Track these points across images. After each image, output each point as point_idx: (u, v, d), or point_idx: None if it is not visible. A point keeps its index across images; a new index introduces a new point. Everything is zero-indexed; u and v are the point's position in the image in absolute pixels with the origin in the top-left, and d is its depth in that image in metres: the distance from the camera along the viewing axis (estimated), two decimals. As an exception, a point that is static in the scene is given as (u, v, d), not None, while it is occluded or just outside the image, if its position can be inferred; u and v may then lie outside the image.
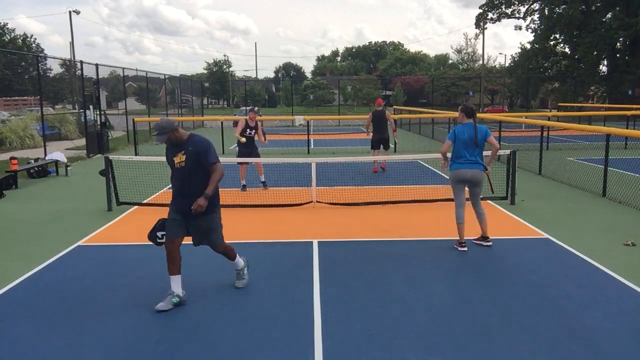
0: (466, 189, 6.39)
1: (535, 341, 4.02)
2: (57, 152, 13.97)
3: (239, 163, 10.35)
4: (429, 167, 13.14)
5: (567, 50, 43.59)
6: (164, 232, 4.78)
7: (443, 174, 11.73)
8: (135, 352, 3.93)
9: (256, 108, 9.89)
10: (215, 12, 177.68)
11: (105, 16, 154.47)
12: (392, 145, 13.45)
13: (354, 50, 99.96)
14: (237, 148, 10.48)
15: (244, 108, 37.97)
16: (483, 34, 51.83)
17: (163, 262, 5.99)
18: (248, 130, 10.24)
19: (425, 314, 4.52)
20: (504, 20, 49.50)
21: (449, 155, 6.37)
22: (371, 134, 12.89)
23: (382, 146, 12.68)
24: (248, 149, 10.30)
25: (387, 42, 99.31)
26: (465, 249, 6.26)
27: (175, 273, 4.71)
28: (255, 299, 4.89)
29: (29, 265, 5.89)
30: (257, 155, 10.53)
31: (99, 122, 17.39)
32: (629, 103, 31.31)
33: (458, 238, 6.33)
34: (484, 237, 6.42)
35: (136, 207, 8.87)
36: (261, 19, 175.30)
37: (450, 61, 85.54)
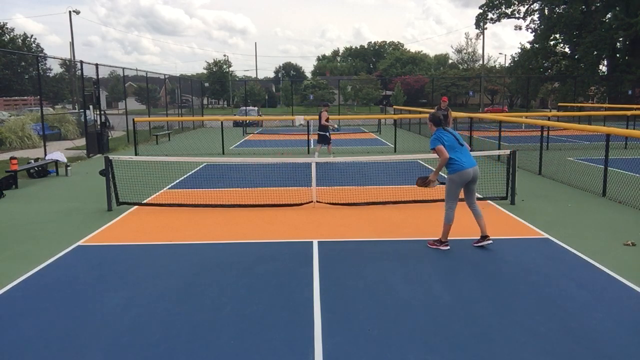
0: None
1: (535, 341, 4.02)
2: (57, 152, 13.97)
3: (329, 143, 14.53)
4: (429, 167, 13.13)
5: (567, 50, 43.61)
6: None
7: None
8: (135, 352, 3.93)
9: (327, 102, 15.42)
10: (212, 12, 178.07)
11: (102, 16, 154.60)
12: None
13: (353, 50, 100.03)
14: (326, 132, 14.39)
15: (244, 108, 37.98)
16: (483, 34, 51.93)
17: (163, 262, 6.02)
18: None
19: (425, 314, 4.52)
20: (504, 20, 49.53)
21: None
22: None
23: None
24: (324, 132, 14.44)
25: (387, 42, 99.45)
26: (449, 247, 6.32)
27: None
28: (255, 299, 4.89)
29: (29, 266, 5.89)
30: (329, 137, 14.52)
31: (99, 122, 17.38)
32: (629, 103, 31.32)
33: (441, 238, 6.37)
34: (484, 237, 6.41)
35: (136, 207, 8.87)
36: (259, 18, 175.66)
37: (450, 61, 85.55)
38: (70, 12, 40.26)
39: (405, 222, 7.70)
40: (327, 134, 14.38)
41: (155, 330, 4.27)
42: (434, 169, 6.39)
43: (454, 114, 15.65)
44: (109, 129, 22.11)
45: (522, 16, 45.00)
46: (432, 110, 15.61)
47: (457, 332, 4.19)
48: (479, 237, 6.47)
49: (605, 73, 40.64)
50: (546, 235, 6.93)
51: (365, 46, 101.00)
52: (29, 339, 4.16)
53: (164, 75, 29.52)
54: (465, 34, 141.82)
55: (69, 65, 38.83)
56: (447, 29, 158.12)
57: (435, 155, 6.33)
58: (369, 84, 66.21)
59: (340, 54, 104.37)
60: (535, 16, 44.23)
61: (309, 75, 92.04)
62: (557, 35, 42.33)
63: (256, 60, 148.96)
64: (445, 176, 6.38)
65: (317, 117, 14.75)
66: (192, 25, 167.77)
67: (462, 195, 6.40)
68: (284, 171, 12.38)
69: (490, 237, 6.41)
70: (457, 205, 6.33)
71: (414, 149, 17.13)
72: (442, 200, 8.72)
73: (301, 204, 8.79)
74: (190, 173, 12.57)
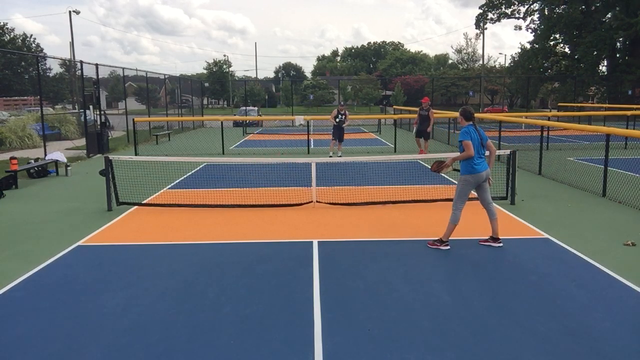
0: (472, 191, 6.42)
1: (535, 341, 4.02)
2: (57, 152, 13.97)
3: (332, 139, 15.65)
4: (429, 167, 13.12)
5: (567, 50, 43.60)
6: None
7: (447, 177, 11.74)
8: (135, 352, 3.93)
9: (342, 102, 17.37)
10: (212, 12, 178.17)
11: (101, 16, 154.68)
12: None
13: (353, 50, 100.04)
14: (333, 129, 15.57)
15: (244, 108, 37.99)
16: (483, 35, 51.90)
17: (163, 262, 6.02)
18: (339, 115, 15.31)
19: (425, 314, 4.52)
20: (504, 20, 49.52)
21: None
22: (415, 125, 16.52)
23: (422, 135, 15.64)
24: (339, 130, 15.41)
25: (387, 42, 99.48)
26: (449, 247, 6.32)
27: None
28: (255, 299, 4.89)
29: (28, 265, 5.89)
30: (343, 135, 15.62)
31: (99, 122, 17.38)
32: (629, 103, 31.32)
33: (443, 237, 6.37)
34: (495, 238, 6.42)
35: (136, 207, 8.87)
36: (258, 18, 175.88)
37: (450, 61, 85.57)
38: (70, 12, 40.24)
39: (405, 222, 7.70)
40: (335, 130, 15.57)
41: (155, 330, 4.27)
42: (453, 156, 6.44)
43: (455, 114, 15.61)
44: (109, 129, 22.10)
45: (522, 16, 45.02)
46: (435, 111, 15.68)
47: (457, 332, 4.19)
48: (486, 237, 6.50)
49: (605, 73, 40.63)
50: (546, 235, 6.93)
51: (365, 46, 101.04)
52: (29, 339, 4.15)
53: (164, 75, 29.54)
54: (465, 34, 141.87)
55: (68, 65, 38.82)
56: (446, 29, 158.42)
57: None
58: (369, 84, 66.23)
59: (339, 54, 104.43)
60: (535, 16, 44.27)
61: (308, 75, 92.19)
62: (557, 35, 42.33)
63: (256, 60, 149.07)
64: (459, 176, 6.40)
65: (317, 117, 15.06)
66: (192, 25, 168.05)
67: (473, 195, 6.44)
68: (284, 171, 12.38)
69: (502, 240, 6.42)
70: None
71: (414, 149, 17.10)
72: (442, 200, 8.79)
73: (301, 204, 8.79)
74: (190, 173, 12.57)
